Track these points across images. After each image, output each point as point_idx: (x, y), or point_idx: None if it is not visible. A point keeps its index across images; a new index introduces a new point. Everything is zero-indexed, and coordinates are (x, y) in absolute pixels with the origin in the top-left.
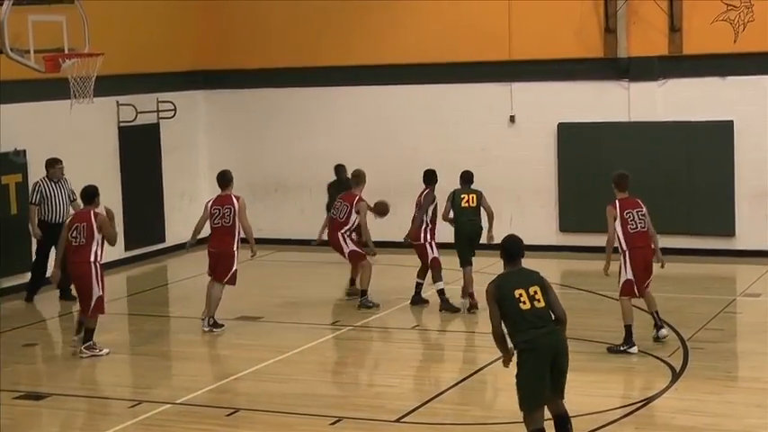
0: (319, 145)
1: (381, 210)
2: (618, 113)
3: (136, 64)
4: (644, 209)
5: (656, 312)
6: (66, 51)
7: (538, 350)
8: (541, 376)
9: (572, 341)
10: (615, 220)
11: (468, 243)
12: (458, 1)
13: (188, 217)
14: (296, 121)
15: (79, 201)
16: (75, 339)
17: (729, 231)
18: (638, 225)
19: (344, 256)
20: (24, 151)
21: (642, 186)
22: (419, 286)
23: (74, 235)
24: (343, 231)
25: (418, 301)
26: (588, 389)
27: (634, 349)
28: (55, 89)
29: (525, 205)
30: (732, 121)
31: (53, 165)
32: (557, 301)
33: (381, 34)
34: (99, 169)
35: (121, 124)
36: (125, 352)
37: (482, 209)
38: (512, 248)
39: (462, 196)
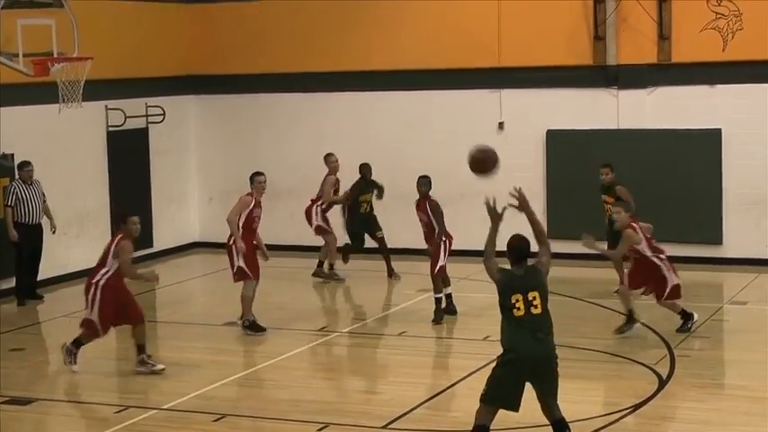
0: (309, 150)
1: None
2: (607, 121)
3: (125, 68)
4: None
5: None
6: (56, 55)
7: (520, 357)
8: (514, 383)
9: (558, 348)
10: None
11: None
12: (447, 8)
13: (176, 222)
14: (286, 127)
15: (48, 204)
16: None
17: (717, 239)
18: None
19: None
20: (12, 155)
21: (630, 193)
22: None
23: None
24: (316, 204)
25: (451, 311)
26: (574, 396)
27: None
28: (44, 93)
29: (514, 212)
30: (720, 130)
31: (22, 167)
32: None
33: (371, 40)
34: (87, 173)
35: (110, 128)
36: (112, 357)
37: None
38: (520, 249)
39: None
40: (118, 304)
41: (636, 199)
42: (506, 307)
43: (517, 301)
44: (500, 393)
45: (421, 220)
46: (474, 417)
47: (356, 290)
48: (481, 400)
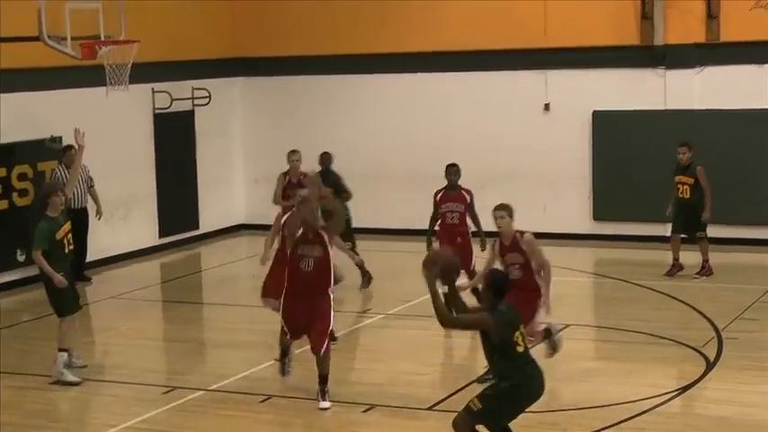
0: (353, 131)
1: None
2: (654, 102)
3: (171, 51)
4: None
5: None
6: (103, 39)
7: (534, 393)
8: (517, 412)
9: (606, 330)
10: None
11: None
12: None
13: (222, 204)
14: (331, 108)
15: (96, 188)
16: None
17: (766, 221)
18: None
19: None
20: (60, 138)
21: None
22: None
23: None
24: None
25: None
26: (623, 378)
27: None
28: (91, 76)
29: (559, 193)
30: None
31: (65, 151)
32: None
33: (415, 21)
34: (134, 156)
35: (156, 111)
36: (158, 338)
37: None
38: (504, 285)
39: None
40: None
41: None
42: (510, 347)
43: (518, 337)
44: (501, 421)
45: (452, 211)
46: (455, 426)
47: (401, 272)
48: (472, 416)
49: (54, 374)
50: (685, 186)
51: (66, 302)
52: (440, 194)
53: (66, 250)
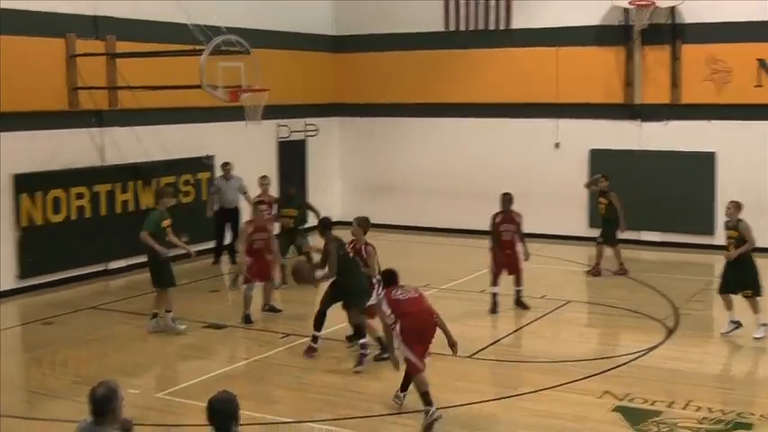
0: (418, 158)
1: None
2: (633, 144)
3: (291, 97)
4: None
5: None
6: (244, 87)
7: None
8: None
9: (595, 305)
10: None
11: None
12: (521, 58)
13: (325, 206)
14: (403, 141)
15: (249, 193)
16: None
17: (710, 230)
18: None
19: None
20: (213, 156)
21: (649, 198)
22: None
23: None
24: None
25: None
26: (607, 339)
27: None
28: (235, 114)
29: (564, 207)
30: (714, 152)
31: (223, 167)
32: None
33: (467, 81)
34: (263, 170)
35: (280, 139)
36: (276, 300)
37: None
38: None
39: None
40: None
41: (653, 202)
42: None
43: None
44: None
45: (508, 231)
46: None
47: (447, 258)
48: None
49: (167, 329)
50: (602, 205)
51: (166, 278)
52: (498, 217)
53: (168, 238)
